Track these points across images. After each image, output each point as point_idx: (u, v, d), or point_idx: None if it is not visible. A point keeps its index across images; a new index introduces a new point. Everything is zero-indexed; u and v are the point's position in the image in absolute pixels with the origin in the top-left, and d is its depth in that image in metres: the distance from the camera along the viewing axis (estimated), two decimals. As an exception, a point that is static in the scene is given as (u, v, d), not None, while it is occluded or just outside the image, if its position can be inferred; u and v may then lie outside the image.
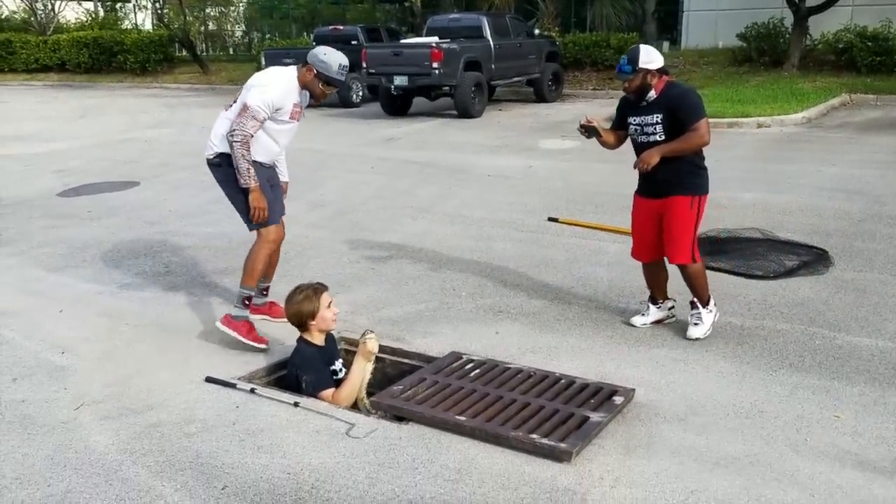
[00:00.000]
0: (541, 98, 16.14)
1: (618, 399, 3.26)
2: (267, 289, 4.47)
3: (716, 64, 17.22)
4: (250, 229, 4.22)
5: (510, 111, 14.91)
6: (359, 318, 4.36)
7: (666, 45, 19.50)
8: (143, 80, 24.18)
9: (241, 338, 3.92)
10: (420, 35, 16.51)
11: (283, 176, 4.49)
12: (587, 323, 4.30)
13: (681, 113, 3.81)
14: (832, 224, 5.94)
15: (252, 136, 3.91)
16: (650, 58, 3.80)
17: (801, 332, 4.03)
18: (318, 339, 3.60)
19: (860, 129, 10.72)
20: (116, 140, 12.02)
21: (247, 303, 4.10)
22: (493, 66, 14.69)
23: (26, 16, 29.06)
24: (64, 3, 28.60)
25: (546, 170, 8.82)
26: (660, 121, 3.87)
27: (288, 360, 3.66)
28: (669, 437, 3.03)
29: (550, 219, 6.56)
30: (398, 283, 5.01)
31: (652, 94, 3.85)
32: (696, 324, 4.02)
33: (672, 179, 3.95)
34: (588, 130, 4.06)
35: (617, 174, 8.35)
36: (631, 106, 4.00)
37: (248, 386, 3.48)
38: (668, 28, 20.85)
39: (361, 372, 3.43)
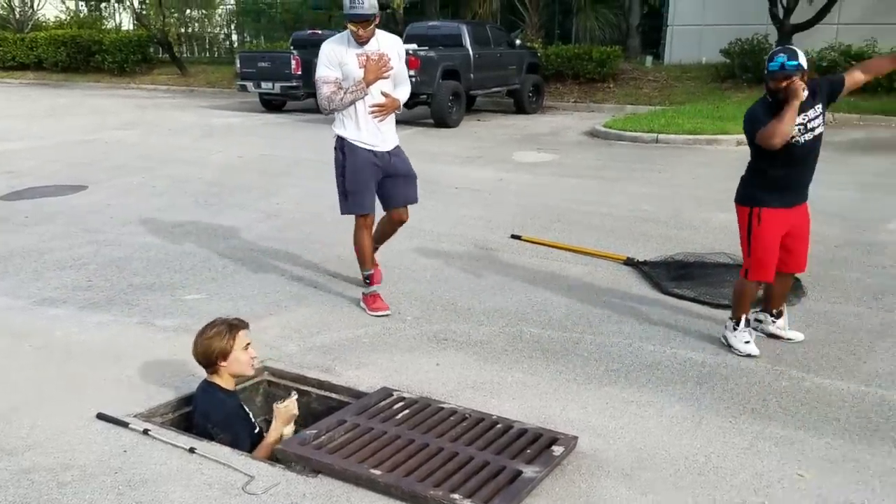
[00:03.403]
0: (521, 109, 15.85)
1: (557, 449, 2.90)
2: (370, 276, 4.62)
3: (698, 80, 16.98)
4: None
5: (489, 122, 14.59)
6: (288, 345, 3.98)
7: (649, 59, 19.29)
8: (120, 80, 23.74)
9: (368, 311, 4.45)
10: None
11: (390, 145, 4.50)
12: (537, 355, 3.94)
13: (833, 86, 3.78)
14: (807, 249, 5.63)
15: (329, 98, 4.24)
16: (804, 58, 3.63)
17: (766, 372, 3.69)
18: (228, 383, 3.17)
19: (842, 150, 10.46)
20: (77, 141, 11.57)
21: (368, 281, 4.56)
22: (471, 75, 14.38)
23: (4, 13, 28.49)
24: (44, 1, 28.08)
25: (517, 183, 8.48)
26: (820, 111, 3.73)
27: (195, 409, 3.20)
28: (611, 497, 2.67)
29: (514, 236, 6.21)
30: (339, 305, 4.63)
31: (805, 93, 3.60)
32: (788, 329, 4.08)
33: (810, 182, 3.87)
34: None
35: (589, 191, 8.04)
36: (773, 108, 3.66)
37: (143, 426, 3.08)
38: (652, 42, 20.63)
39: (277, 434, 3.05)
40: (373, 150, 4.38)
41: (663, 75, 17.64)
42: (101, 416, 3.15)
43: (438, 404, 3.28)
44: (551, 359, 3.87)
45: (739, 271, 3.99)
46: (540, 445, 2.93)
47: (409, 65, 13.03)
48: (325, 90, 4.25)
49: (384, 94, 4.32)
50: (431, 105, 13.37)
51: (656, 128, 11.79)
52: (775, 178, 3.74)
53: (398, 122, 4.60)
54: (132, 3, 26.77)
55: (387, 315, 4.45)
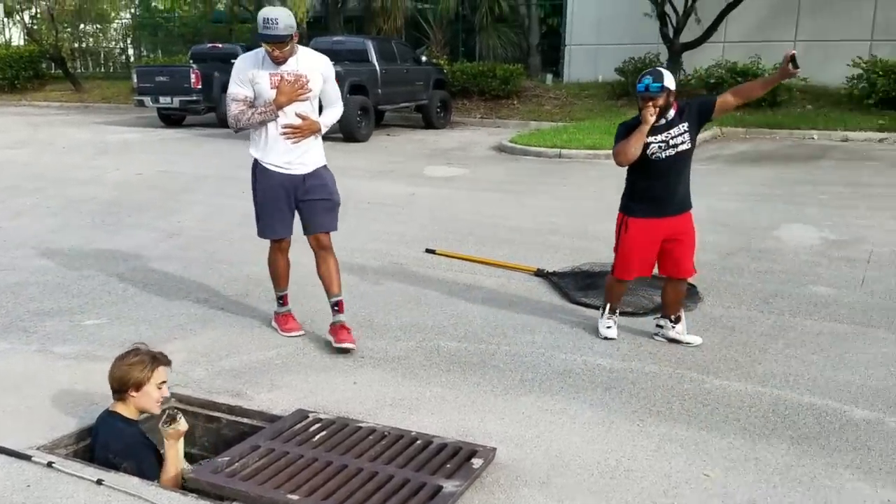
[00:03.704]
0: (429, 125, 16.01)
1: (476, 462, 2.93)
2: (339, 304, 4.34)
3: (596, 97, 17.63)
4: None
5: (398, 136, 14.66)
6: (195, 370, 3.86)
7: (549, 77, 19.88)
8: (10, 97, 22.62)
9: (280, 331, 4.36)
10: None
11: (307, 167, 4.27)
12: (454, 368, 3.98)
13: (703, 106, 4.01)
14: (701, 257, 5.85)
15: (236, 116, 4.07)
16: (672, 79, 3.91)
17: (669, 375, 3.86)
18: (131, 413, 3.05)
19: (731, 162, 11.08)
20: (-41, 160, 10.89)
21: (280, 302, 4.47)
22: (379, 90, 14.43)
23: None
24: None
25: (429, 198, 8.55)
26: (687, 129, 3.99)
27: (96, 440, 3.06)
28: (529, 506, 2.72)
29: (428, 250, 6.26)
30: (248, 326, 4.53)
31: (672, 112, 3.95)
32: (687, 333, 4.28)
33: (688, 192, 4.15)
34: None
35: (500, 204, 8.19)
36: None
37: (46, 458, 2.92)
38: (551, 61, 21.27)
39: (176, 454, 2.94)
40: (285, 173, 4.17)
41: (563, 93, 18.22)
42: (0, 450, 2.97)
43: (356, 424, 3.26)
44: (468, 371, 3.92)
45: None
46: (460, 459, 2.96)
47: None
48: (232, 108, 4.08)
49: (300, 116, 4.10)
50: (340, 119, 13.27)
51: (559, 143, 12.16)
52: (640, 190, 4.10)
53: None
54: (22, 18, 25.48)
55: (300, 335, 4.38)
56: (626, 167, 4.12)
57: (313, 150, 4.23)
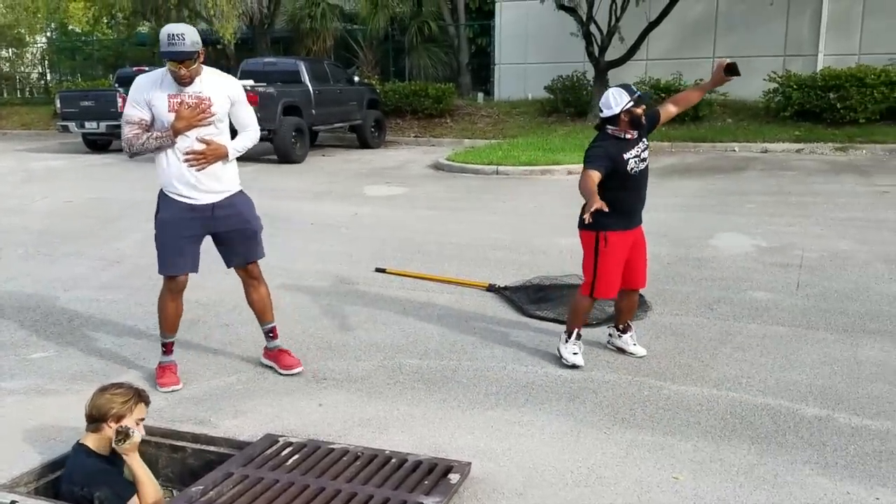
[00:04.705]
0: (364, 144, 16.02)
1: (453, 477, 2.95)
2: (272, 330, 4.24)
3: (527, 115, 17.98)
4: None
5: (334, 157, 14.60)
6: (155, 399, 3.71)
7: (481, 96, 20.19)
8: (-79, 125, 21.41)
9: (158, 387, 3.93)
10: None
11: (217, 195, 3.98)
12: (419, 385, 3.99)
13: (650, 119, 4.13)
14: (647, 268, 6.12)
15: (130, 141, 3.81)
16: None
17: (628, 383, 3.97)
18: (100, 447, 2.97)
19: (660, 175, 11.44)
20: None
21: (163, 349, 4.10)
22: (313, 111, 14.37)
23: None
24: None
25: (373, 217, 8.55)
26: (647, 143, 4.14)
27: (63, 474, 2.98)
28: (510, 518, 2.76)
29: (378, 269, 6.26)
30: (205, 352, 4.44)
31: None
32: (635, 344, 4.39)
33: (643, 205, 4.24)
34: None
35: (442, 221, 8.26)
36: (622, 144, 4.03)
37: (9, 497, 2.80)
38: (482, 80, 21.64)
39: (142, 466, 2.90)
40: (189, 203, 3.85)
41: (495, 111, 18.52)
42: (-46, 495, 2.83)
43: (328, 445, 3.24)
44: (433, 388, 3.94)
45: (580, 289, 4.28)
46: (436, 475, 2.98)
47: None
48: (126, 131, 3.77)
49: (203, 141, 3.79)
50: (274, 141, 13.18)
51: (495, 160, 12.34)
52: (616, 203, 3.96)
53: (239, 158, 4.03)
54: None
55: (177, 390, 3.92)
56: (604, 183, 3.99)
57: (224, 176, 3.92)
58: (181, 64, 3.65)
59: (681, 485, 2.97)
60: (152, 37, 25.37)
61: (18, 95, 27.76)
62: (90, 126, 15.17)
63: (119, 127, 15.77)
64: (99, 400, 2.95)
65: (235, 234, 3.98)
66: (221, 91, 3.85)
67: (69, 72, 27.92)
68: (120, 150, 15.44)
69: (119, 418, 2.92)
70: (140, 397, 3.02)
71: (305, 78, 14.51)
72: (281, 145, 13.24)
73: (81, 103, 15.34)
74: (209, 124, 3.81)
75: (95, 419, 2.94)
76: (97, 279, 5.98)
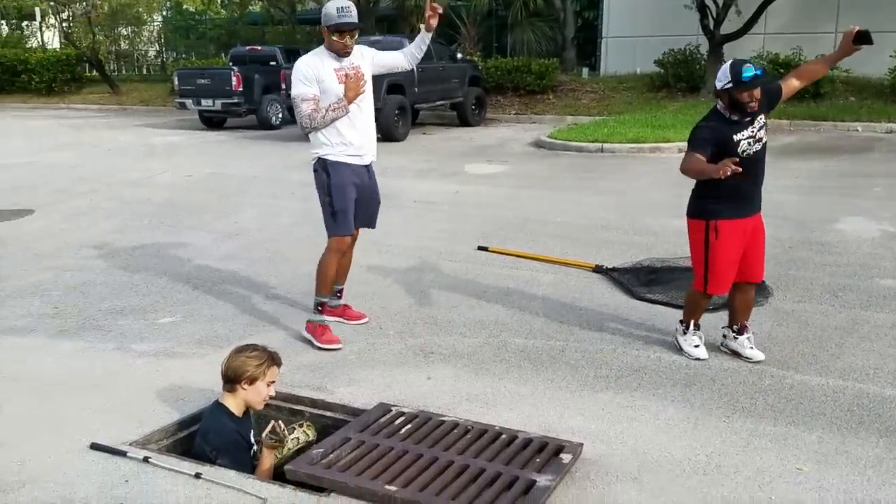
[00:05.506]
0: (464, 122, 16.00)
1: (565, 457, 2.93)
2: (341, 291, 4.63)
3: (634, 90, 17.48)
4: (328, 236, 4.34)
5: (434, 135, 14.68)
6: (275, 366, 3.91)
7: (585, 70, 19.76)
8: (49, 100, 22.99)
9: (316, 342, 4.17)
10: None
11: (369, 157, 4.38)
12: (525, 364, 3.98)
13: (770, 94, 3.82)
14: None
15: (310, 116, 4.07)
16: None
17: (748, 371, 3.82)
18: (237, 408, 3.13)
19: (777, 154, 10.89)
20: (14, 164, 11.12)
21: (320, 309, 4.31)
22: (416, 89, 14.45)
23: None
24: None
25: (473, 195, 8.56)
26: (763, 121, 3.81)
27: (199, 427, 3.15)
28: (625, 501, 2.72)
29: (480, 248, 6.26)
30: (319, 323, 4.58)
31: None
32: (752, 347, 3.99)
33: (761, 192, 3.91)
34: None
35: (545, 200, 8.17)
36: (732, 124, 3.71)
37: (141, 454, 2.99)
38: (587, 54, 21.16)
39: (271, 462, 3.03)
40: (356, 164, 4.23)
41: (600, 86, 18.08)
42: (95, 447, 3.04)
43: (439, 418, 3.28)
44: (540, 368, 3.92)
45: (693, 282, 3.98)
46: (547, 454, 2.96)
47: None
48: (304, 108, 4.06)
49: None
50: (378, 119, 13.29)
51: (600, 137, 12.07)
52: (728, 189, 3.70)
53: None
54: (59, 21, 25.95)
55: (339, 349, 4.16)
56: None
57: (374, 138, 4.37)
58: (350, 33, 4.02)
59: (805, 476, 2.85)
60: (264, 16, 26.18)
61: (136, 73, 29.26)
62: (206, 104, 15.81)
63: (234, 105, 16.44)
64: (234, 361, 3.09)
65: (369, 199, 4.40)
66: (365, 59, 4.26)
67: (184, 50, 29.19)
68: (233, 128, 16.11)
69: (252, 380, 3.06)
70: (273, 360, 3.15)
71: (409, 56, 14.59)
72: (384, 123, 13.37)
73: (198, 81, 16.00)
74: (364, 91, 4.19)
75: (231, 380, 3.09)
76: (218, 250, 6.26)
